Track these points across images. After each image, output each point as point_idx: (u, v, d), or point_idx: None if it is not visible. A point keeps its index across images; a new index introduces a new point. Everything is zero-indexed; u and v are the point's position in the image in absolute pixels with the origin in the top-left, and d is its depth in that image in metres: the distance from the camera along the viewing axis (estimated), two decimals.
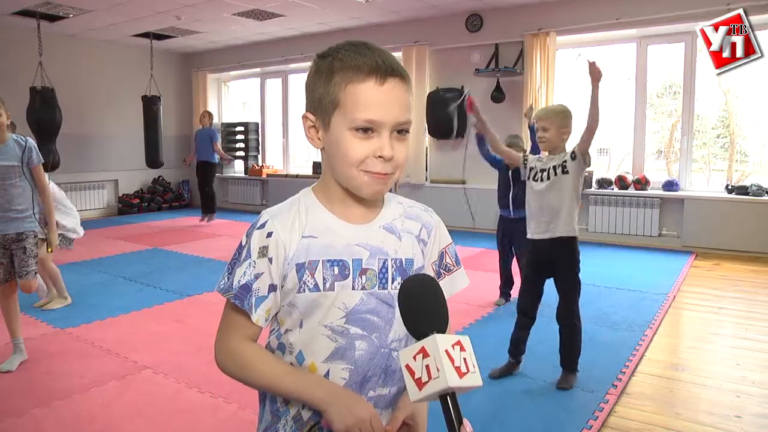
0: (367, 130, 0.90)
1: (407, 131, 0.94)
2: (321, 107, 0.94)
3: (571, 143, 3.02)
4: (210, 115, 8.73)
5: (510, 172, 4.24)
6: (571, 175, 2.94)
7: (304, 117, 0.98)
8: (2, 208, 3.14)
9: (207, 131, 8.46)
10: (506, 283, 4.49)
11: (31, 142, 3.23)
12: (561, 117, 2.96)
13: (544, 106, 3.12)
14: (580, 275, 3.01)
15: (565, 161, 2.95)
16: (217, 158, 8.60)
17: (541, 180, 3.00)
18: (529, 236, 3.09)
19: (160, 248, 6.76)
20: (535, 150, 3.89)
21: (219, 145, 8.63)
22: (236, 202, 10.36)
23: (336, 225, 0.97)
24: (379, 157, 0.91)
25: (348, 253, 0.96)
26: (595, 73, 2.79)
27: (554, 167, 2.98)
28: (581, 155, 2.93)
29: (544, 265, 3.04)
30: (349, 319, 0.95)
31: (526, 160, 3.14)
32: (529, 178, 3.08)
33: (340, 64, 0.91)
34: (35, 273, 3.28)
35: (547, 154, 3.08)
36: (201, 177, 8.59)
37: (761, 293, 4.76)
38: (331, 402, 0.91)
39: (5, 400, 2.80)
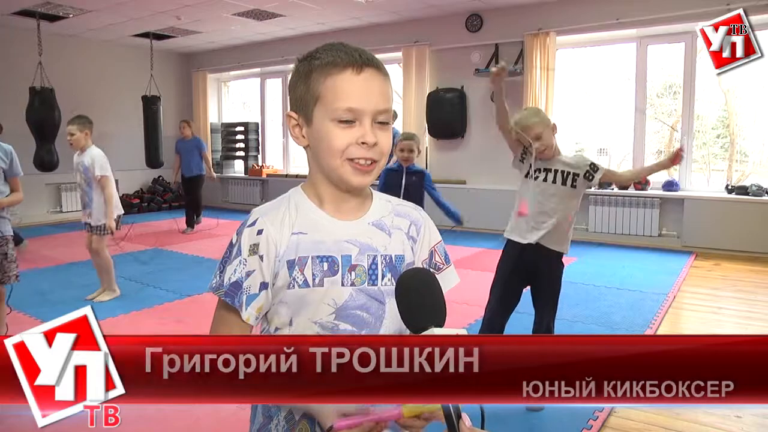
0: (348, 119, 0.92)
1: (389, 121, 0.95)
2: (302, 104, 0.96)
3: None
4: (190, 124, 8.08)
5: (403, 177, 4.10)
6: (578, 189, 2.70)
7: (288, 116, 1.01)
8: None
9: (193, 142, 7.83)
10: None
11: (12, 150, 3.25)
12: (544, 114, 2.75)
13: (523, 113, 2.74)
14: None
15: (577, 175, 2.67)
16: (204, 168, 7.94)
17: (545, 180, 2.71)
18: (507, 235, 2.80)
19: (160, 248, 6.75)
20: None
21: (209, 155, 8.07)
22: (236, 202, 10.34)
23: (325, 221, 0.98)
24: (362, 143, 0.92)
25: (337, 250, 0.96)
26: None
27: (563, 174, 2.69)
28: (597, 180, 2.69)
29: (523, 273, 2.78)
30: (338, 316, 0.96)
31: (525, 155, 2.77)
32: (528, 175, 2.76)
33: (318, 62, 0.94)
34: (16, 277, 3.27)
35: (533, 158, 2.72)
36: (190, 191, 7.98)
37: (761, 293, 4.76)
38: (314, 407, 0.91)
39: None
